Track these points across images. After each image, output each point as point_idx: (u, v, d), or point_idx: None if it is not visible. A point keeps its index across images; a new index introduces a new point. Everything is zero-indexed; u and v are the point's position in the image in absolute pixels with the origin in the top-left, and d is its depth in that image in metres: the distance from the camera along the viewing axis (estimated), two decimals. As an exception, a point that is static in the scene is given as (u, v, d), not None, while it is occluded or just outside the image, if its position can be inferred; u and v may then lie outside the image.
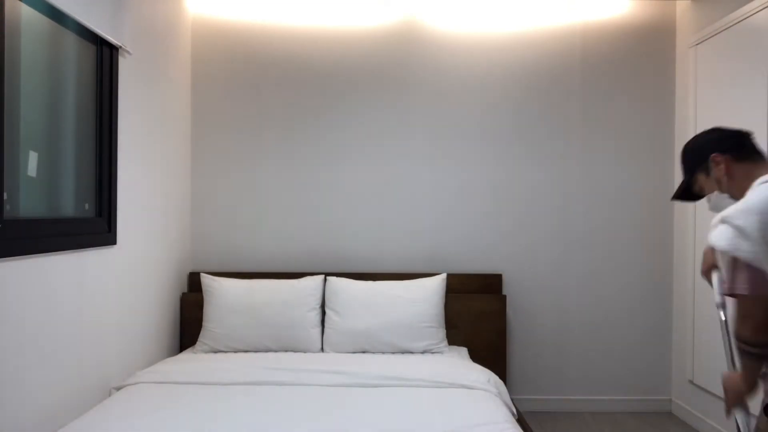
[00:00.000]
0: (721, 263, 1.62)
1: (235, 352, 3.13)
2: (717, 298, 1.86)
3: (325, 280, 3.38)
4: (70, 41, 2.39)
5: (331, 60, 3.64)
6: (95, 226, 2.50)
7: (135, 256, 2.85)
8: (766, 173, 1.62)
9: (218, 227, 3.66)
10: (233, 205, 3.65)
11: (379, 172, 3.65)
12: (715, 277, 1.89)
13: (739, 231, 1.51)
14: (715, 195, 1.76)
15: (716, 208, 1.72)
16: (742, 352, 1.56)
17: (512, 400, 2.80)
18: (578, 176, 3.66)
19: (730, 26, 3.08)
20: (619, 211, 3.66)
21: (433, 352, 3.15)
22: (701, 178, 1.79)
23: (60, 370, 2.22)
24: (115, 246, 2.63)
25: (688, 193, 1.87)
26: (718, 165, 1.72)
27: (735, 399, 1.64)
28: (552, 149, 3.66)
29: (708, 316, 3.26)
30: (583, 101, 3.66)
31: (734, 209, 1.56)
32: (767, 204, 1.50)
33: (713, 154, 1.72)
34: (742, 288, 1.51)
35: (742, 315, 1.53)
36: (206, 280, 3.34)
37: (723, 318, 1.85)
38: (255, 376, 2.61)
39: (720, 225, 1.57)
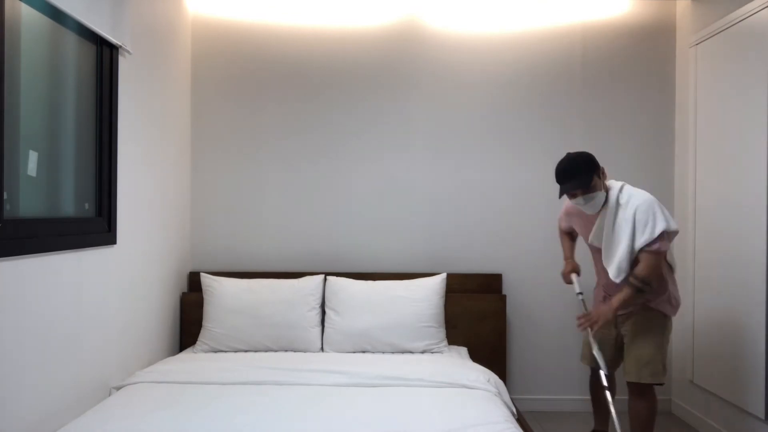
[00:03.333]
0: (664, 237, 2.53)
1: (235, 352, 3.13)
2: (577, 289, 2.87)
3: (325, 279, 3.38)
4: (70, 41, 2.39)
5: (331, 60, 3.64)
6: (95, 226, 2.50)
7: (135, 256, 2.85)
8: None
9: (218, 227, 3.66)
10: (233, 204, 3.65)
11: (379, 171, 3.65)
12: (574, 277, 2.90)
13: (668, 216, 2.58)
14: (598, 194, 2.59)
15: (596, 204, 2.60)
16: (634, 287, 2.50)
17: (512, 400, 2.80)
18: (578, 176, 3.66)
19: (730, 26, 3.08)
20: (619, 211, 3.65)
21: (432, 352, 3.16)
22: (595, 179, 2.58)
23: (60, 370, 2.22)
24: (115, 246, 2.63)
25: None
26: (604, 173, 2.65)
27: (603, 324, 2.63)
28: (552, 149, 3.65)
29: (708, 317, 3.26)
30: (583, 101, 3.66)
31: (659, 205, 2.57)
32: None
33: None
34: (665, 248, 2.53)
35: (654, 264, 2.50)
36: (206, 279, 3.34)
37: (581, 295, 2.86)
38: (255, 376, 2.61)
39: (659, 214, 2.53)
